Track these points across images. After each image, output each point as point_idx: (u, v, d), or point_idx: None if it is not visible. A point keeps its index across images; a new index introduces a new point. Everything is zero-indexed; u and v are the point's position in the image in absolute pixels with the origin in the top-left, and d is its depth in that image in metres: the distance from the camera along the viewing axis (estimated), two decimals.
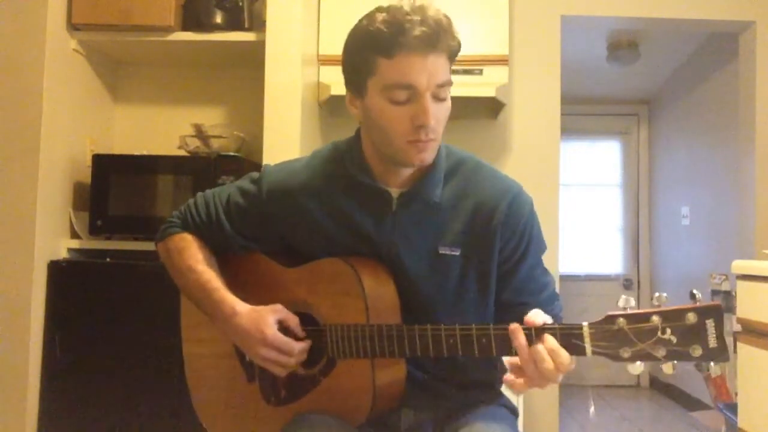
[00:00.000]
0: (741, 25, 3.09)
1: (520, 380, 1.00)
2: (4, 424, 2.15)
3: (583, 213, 5.10)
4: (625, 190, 5.17)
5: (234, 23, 2.40)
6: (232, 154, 2.42)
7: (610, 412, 4.22)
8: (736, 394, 2.05)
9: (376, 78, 1.07)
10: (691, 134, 4.36)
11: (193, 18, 2.39)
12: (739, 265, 1.98)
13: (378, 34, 1.05)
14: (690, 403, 4.10)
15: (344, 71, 1.15)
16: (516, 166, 2.88)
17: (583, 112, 5.03)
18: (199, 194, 1.31)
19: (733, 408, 2.40)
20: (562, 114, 2.98)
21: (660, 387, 4.78)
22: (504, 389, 1.32)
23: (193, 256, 1.24)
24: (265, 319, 1.14)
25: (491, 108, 2.76)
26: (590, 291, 5.01)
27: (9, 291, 2.16)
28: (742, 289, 1.96)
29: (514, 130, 2.96)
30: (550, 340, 0.98)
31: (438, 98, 1.08)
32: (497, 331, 1.03)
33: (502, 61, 2.56)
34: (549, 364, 0.96)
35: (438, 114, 1.09)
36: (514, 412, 1.29)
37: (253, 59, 2.36)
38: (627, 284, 5.10)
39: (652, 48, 4.16)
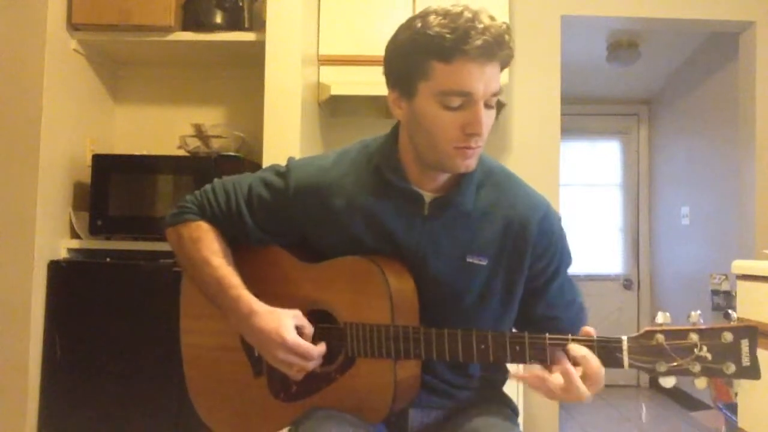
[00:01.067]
0: (741, 25, 3.09)
1: (547, 387, 1.02)
2: (4, 424, 2.15)
3: (583, 213, 5.10)
4: (625, 190, 5.16)
5: (234, 23, 2.40)
6: (232, 154, 2.42)
7: (610, 412, 4.22)
8: (736, 394, 2.05)
9: (429, 82, 1.06)
10: (691, 134, 4.36)
11: (193, 18, 2.39)
12: (739, 265, 1.99)
13: (438, 38, 1.03)
14: (690, 403, 4.10)
15: (390, 71, 1.13)
16: (516, 166, 2.84)
17: (583, 112, 5.02)
18: (217, 181, 1.28)
19: (733, 408, 2.40)
20: (562, 114, 2.98)
21: (660, 387, 4.77)
22: (506, 389, 1.32)
23: (209, 248, 1.21)
24: (284, 322, 1.12)
25: None
26: (590, 291, 5.00)
27: (9, 291, 2.16)
28: (742, 289, 1.97)
29: (514, 130, 2.96)
30: (586, 353, 1.01)
31: (488, 106, 1.08)
32: (532, 339, 1.04)
33: None
34: (577, 380, 1.00)
35: (487, 120, 1.08)
36: (515, 410, 1.30)
37: (253, 59, 2.36)
38: (627, 284, 5.09)
39: (652, 48, 4.16)
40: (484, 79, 1.04)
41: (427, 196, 1.17)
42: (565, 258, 1.22)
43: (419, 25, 1.06)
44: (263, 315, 1.14)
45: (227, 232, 1.24)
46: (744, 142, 3.18)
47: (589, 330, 1.05)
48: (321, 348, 1.14)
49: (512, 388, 1.35)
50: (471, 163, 1.11)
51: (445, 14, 1.04)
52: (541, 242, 1.17)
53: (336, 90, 2.53)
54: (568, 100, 3.23)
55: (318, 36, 2.56)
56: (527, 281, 1.19)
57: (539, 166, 2.91)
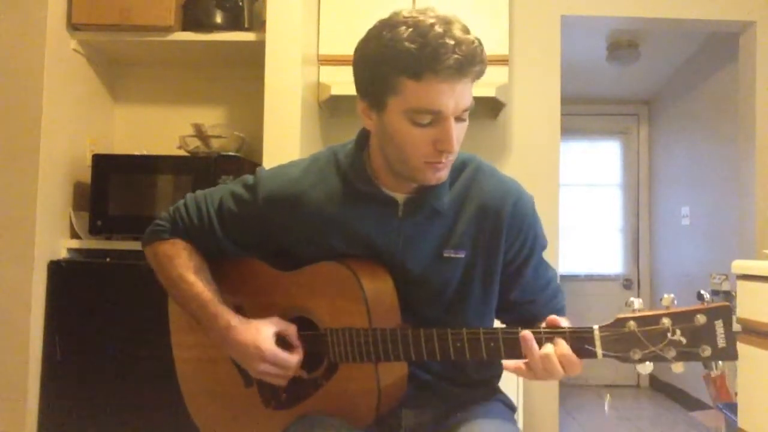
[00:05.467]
0: (741, 25, 3.09)
1: (523, 369, 1.02)
2: (4, 424, 2.15)
3: (583, 213, 5.10)
4: (625, 190, 5.17)
5: (234, 23, 2.40)
6: (232, 154, 2.41)
7: (610, 412, 4.22)
8: (736, 394, 2.05)
9: (399, 98, 1.03)
10: (691, 134, 4.36)
11: (193, 18, 2.39)
12: (739, 265, 1.98)
13: (406, 53, 0.99)
14: (690, 403, 4.10)
15: (358, 81, 1.10)
16: (516, 166, 2.88)
17: (583, 112, 5.03)
18: (189, 196, 1.28)
19: (733, 408, 2.40)
20: (562, 114, 2.98)
21: (660, 387, 4.78)
22: (502, 385, 1.32)
23: (184, 264, 1.21)
24: (261, 334, 1.13)
25: (491, 108, 2.76)
26: (590, 291, 5.01)
27: (9, 291, 2.16)
28: (742, 289, 1.96)
29: (514, 130, 2.96)
30: (561, 345, 0.99)
31: (460, 119, 1.06)
32: (506, 335, 1.03)
33: (502, 61, 2.56)
34: (559, 369, 0.98)
35: (459, 134, 1.07)
36: (511, 407, 1.30)
37: (253, 59, 2.36)
38: (627, 284, 5.10)
39: (652, 48, 4.16)
40: (455, 96, 1.02)
41: (400, 198, 1.17)
42: (539, 240, 1.22)
43: (388, 36, 1.02)
44: (240, 328, 1.14)
45: (201, 246, 1.24)
46: (744, 142, 3.18)
47: (555, 319, 1.04)
48: (297, 356, 1.14)
49: (511, 385, 1.34)
50: (442, 176, 1.11)
51: (415, 25, 1.00)
52: (514, 225, 1.17)
53: (336, 90, 2.53)
54: (568, 100, 3.23)
55: (318, 36, 2.57)
56: (503, 266, 1.19)
57: (539, 166, 2.91)
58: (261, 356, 1.12)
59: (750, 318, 1.89)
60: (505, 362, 1.03)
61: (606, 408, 4.30)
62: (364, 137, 1.19)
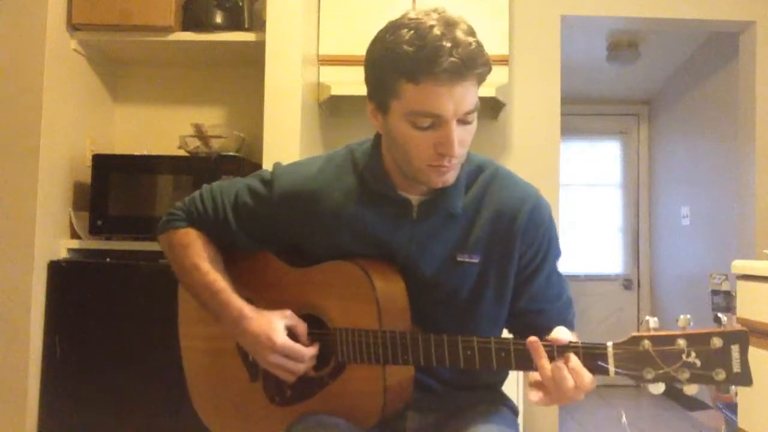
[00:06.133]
0: (741, 25, 3.09)
1: (541, 395, 0.99)
2: (4, 424, 2.15)
3: (583, 213, 5.10)
4: (625, 190, 5.17)
5: (234, 23, 2.40)
6: (232, 154, 2.41)
7: (610, 412, 4.22)
8: (736, 394, 2.05)
9: (399, 101, 1.03)
10: (691, 134, 4.36)
11: (193, 18, 2.39)
12: (739, 265, 1.99)
13: (405, 57, 0.99)
14: (690, 403, 4.10)
15: (367, 83, 1.11)
16: (516, 166, 2.84)
17: (583, 112, 5.02)
18: (205, 187, 1.28)
19: (733, 408, 2.40)
20: (562, 114, 2.98)
21: None
22: (506, 389, 1.32)
23: (198, 254, 1.21)
24: (274, 325, 1.12)
25: (491, 108, 2.76)
26: (590, 291, 5.01)
27: (9, 291, 2.16)
28: (742, 289, 1.97)
29: (514, 130, 2.96)
30: (573, 359, 0.96)
31: (464, 122, 1.05)
32: (517, 345, 1.01)
33: (502, 61, 2.56)
34: (570, 383, 0.96)
35: (463, 137, 1.06)
36: (514, 411, 1.29)
37: (253, 59, 2.36)
38: (627, 284, 5.09)
39: (652, 48, 4.16)
40: (454, 99, 1.01)
41: (415, 200, 1.16)
42: (552, 249, 1.20)
43: (390, 39, 1.02)
44: (252, 319, 1.14)
45: (215, 238, 1.25)
46: (744, 142, 3.18)
47: (558, 335, 1.01)
48: (312, 350, 1.14)
49: (512, 388, 1.34)
50: (448, 179, 1.10)
51: (416, 28, 0.99)
52: (529, 231, 1.16)
53: (336, 90, 2.53)
54: (568, 100, 3.23)
55: (318, 36, 2.57)
56: (516, 273, 1.18)
57: (539, 166, 2.92)
58: (272, 347, 1.11)
59: (750, 318, 1.90)
60: (530, 396, 1.00)
61: (606, 408, 4.30)
62: (380, 137, 1.18)
